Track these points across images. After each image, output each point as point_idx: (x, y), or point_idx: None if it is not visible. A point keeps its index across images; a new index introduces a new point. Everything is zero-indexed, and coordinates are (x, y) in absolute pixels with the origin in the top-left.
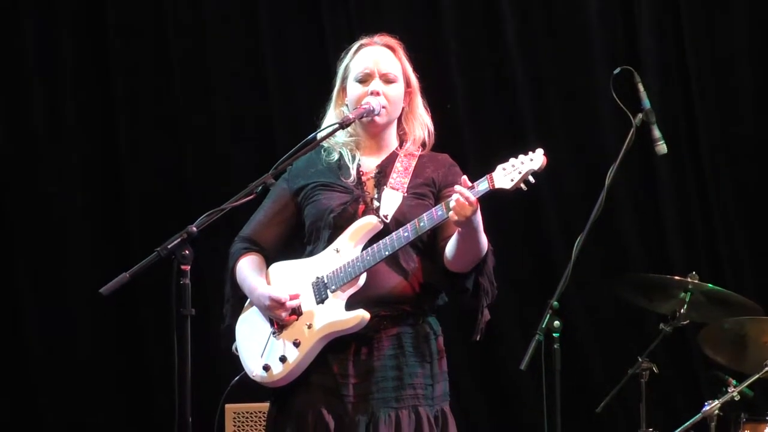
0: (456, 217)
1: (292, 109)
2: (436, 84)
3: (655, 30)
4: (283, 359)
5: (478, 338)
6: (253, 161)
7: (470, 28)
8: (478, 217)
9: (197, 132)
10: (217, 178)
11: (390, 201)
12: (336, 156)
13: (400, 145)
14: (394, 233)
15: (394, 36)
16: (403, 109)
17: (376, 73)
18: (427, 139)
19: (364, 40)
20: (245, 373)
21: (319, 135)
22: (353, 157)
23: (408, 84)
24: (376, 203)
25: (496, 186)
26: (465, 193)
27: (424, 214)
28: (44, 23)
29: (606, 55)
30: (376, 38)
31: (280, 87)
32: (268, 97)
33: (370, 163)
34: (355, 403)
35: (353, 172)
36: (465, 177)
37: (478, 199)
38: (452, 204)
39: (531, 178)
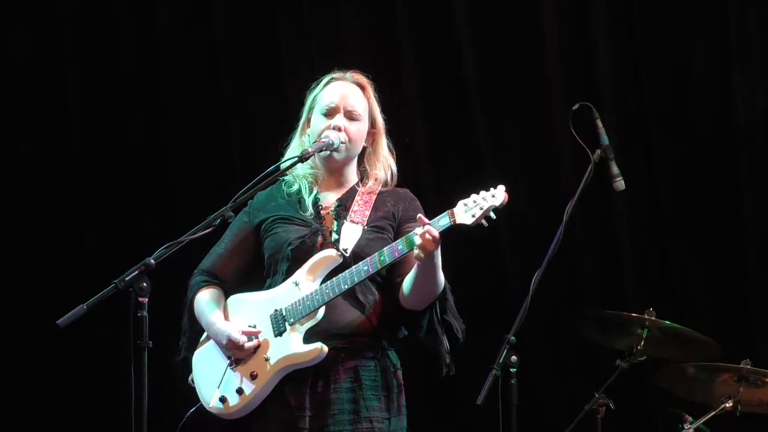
0: (419, 253)
1: (249, 137)
2: (394, 116)
3: (614, 64)
4: (239, 391)
5: (450, 373)
6: (210, 193)
7: (428, 57)
8: (439, 254)
9: (152, 162)
10: (174, 209)
11: (349, 234)
12: (296, 187)
13: (361, 181)
14: (353, 267)
15: (366, 75)
16: (365, 148)
17: (342, 108)
18: (389, 180)
19: (335, 74)
20: (201, 404)
21: (280, 167)
22: (310, 190)
23: (373, 124)
24: (335, 236)
25: (458, 222)
26: (432, 231)
27: (385, 249)
28: None
29: (565, 90)
30: (348, 74)
31: (236, 110)
32: (228, 131)
33: (329, 198)
34: None
35: (309, 206)
36: (421, 215)
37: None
38: (417, 240)
39: (492, 215)
